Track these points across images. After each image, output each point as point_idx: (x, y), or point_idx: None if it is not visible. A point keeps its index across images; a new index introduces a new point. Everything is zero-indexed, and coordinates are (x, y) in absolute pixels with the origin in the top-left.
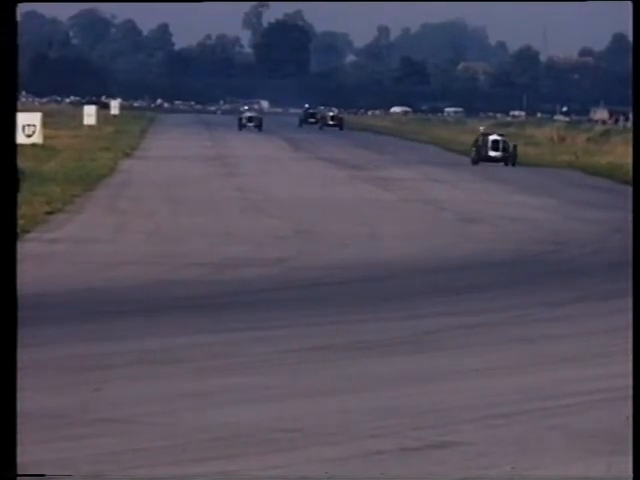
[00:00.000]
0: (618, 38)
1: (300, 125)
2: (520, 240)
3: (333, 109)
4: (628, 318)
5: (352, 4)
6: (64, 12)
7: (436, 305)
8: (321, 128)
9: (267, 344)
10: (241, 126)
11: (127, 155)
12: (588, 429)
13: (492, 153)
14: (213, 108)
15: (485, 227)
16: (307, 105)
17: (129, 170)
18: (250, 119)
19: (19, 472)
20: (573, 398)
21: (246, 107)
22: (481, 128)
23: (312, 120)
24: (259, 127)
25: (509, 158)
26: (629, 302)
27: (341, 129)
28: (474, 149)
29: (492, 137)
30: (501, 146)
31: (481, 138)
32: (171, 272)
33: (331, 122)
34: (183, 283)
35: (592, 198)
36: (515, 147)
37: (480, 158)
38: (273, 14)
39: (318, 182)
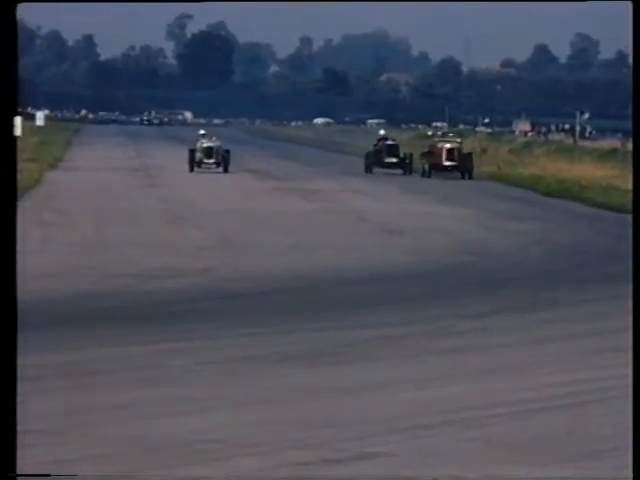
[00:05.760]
0: (539, 49)
1: (368, 170)
2: (440, 252)
3: (451, 137)
4: (546, 330)
5: (275, 14)
6: None
7: (357, 317)
8: (428, 175)
9: (189, 355)
10: (193, 163)
11: (52, 166)
12: (508, 440)
13: None
14: (137, 119)
15: (406, 239)
16: (383, 132)
17: (54, 181)
18: (209, 152)
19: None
20: (493, 409)
21: (202, 131)
22: None
23: (392, 160)
24: (224, 166)
25: None
26: (548, 314)
27: (470, 177)
28: None
29: None
30: None
31: None
32: (96, 283)
33: (448, 162)
34: (107, 294)
35: (514, 210)
36: None
37: None
38: (197, 25)
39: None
